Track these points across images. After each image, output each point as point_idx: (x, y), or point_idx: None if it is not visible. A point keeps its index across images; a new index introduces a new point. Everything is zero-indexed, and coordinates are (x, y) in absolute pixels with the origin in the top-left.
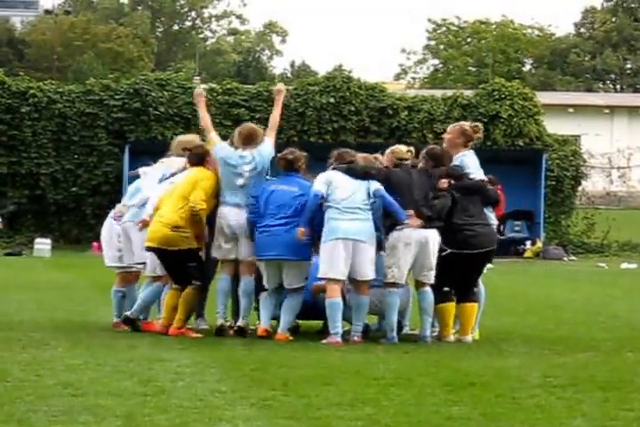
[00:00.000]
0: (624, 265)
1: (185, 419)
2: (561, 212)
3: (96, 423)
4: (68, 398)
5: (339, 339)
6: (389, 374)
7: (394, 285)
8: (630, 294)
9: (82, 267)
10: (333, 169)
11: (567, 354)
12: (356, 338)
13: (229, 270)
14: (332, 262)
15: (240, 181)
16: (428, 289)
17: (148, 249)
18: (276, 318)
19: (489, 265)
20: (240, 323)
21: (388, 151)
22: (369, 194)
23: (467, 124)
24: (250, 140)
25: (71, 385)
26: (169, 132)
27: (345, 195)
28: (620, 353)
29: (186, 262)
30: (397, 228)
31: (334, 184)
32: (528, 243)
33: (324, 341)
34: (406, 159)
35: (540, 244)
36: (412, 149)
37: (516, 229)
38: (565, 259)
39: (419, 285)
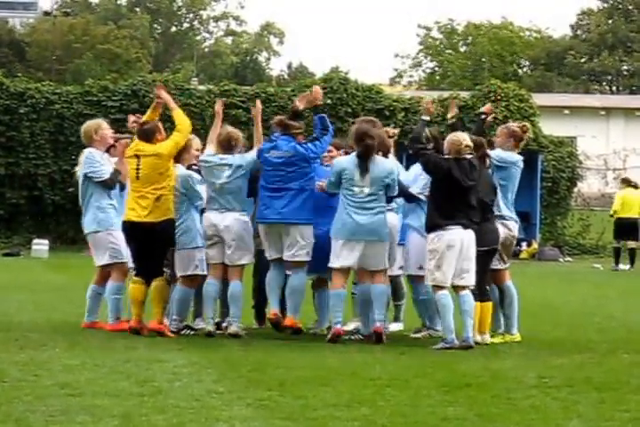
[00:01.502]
0: (619, 266)
1: (182, 419)
2: (556, 213)
3: (93, 423)
4: (66, 399)
5: (339, 327)
6: (386, 375)
7: (441, 287)
8: (625, 296)
9: (79, 267)
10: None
11: (563, 355)
12: (378, 324)
13: (216, 274)
14: (341, 256)
15: (218, 185)
16: (467, 292)
17: (125, 224)
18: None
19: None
20: (231, 330)
21: (448, 139)
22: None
23: (514, 125)
24: (228, 146)
25: (69, 385)
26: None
27: (358, 189)
28: (616, 354)
29: (166, 244)
30: (443, 228)
31: (348, 175)
32: (524, 244)
33: (329, 336)
34: (465, 152)
35: (535, 245)
36: (470, 144)
37: None
38: (561, 260)
39: (458, 289)
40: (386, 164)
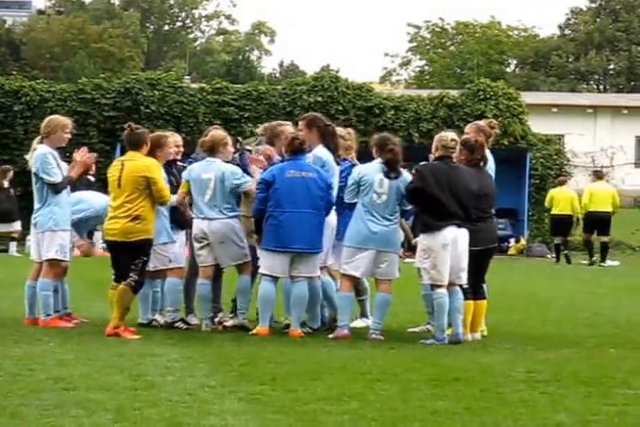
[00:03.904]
0: (607, 262)
1: (174, 413)
2: (544, 210)
3: (87, 417)
4: (60, 393)
5: (346, 331)
6: (376, 369)
7: (439, 286)
8: (613, 292)
9: (72, 263)
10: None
11: (551, 350)
12: (374, 335)
13: (207, 274)
14: (355, 264)
15: (207, 198)
16: (457, 289)
17: (107, 243)
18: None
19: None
20: (236, 322)
21: (436, 137)
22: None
23: (482, 122)
24: (213, 151)
25: (62, 380)
26: (159, 130)
27: (376, 196)
28: (603, 349)
29: (138, 256)
30: (437, 228)
31: (367, 182)
32: (512, 240)
33: (330, 335)
34: (452, 148)
35: (523, 241)
36: (457, 138)
37: (500, 226)
38: (549, 256)
39: (449, 285)
40: (404, 173)
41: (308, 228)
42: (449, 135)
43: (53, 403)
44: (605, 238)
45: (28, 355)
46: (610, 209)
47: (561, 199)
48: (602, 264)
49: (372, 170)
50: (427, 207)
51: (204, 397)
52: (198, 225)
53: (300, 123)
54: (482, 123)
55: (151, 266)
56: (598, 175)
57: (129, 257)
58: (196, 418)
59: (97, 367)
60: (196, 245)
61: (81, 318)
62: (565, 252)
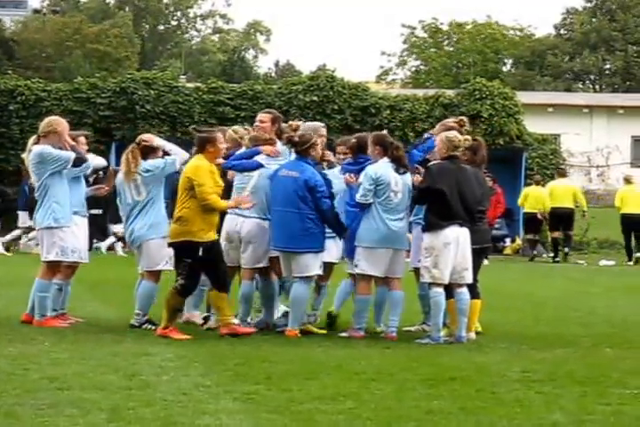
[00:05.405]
0: (602, 262)
1: (169, 412)
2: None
3: (81, 417)
4: (54, 392)
5: (362, 333)
6: (371, 369)
7: (438, 284)
8: (608, 291)
9: None
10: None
11: (546, 350)
12: (392, 334)
13: (247, 276)
14: (375, 263)
15: (245, 194)
16: (465, 290)
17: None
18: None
19: (485, 262)
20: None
21: (442, 136)
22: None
23: (450, 121)
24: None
25: (57, 379)
26: (155, 129)
27: (393, 194)
28: (599, 349)
29: (181, 258)
30: (440, 227)
31: (384, 181)
32: (507, 240)
33: (344, 333)
34: (461, 148)
35: (519, 241)
36: (469, 137)
37: (496, 226)
38: (545, 256)
39: (454, 286)
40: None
41: (289, 227)
42: (459, 135)
43: (48, 402)
44: (569, 232)
45: (22, 354)
46: (572, 205)
47: (533, 197)
48: (564, 250)
49: (387, 170)
50: (432, 206)
51: (198, 396)
52: (230, 223)
53: (264, 114)
54: (451, 122)
55: (143, 267)
56: (560, 173)
57: (178, 258)
58: (191, 418)
59: (91, 367)
60: (226, 245)
61: (76, 317)
62: (535, 252)
